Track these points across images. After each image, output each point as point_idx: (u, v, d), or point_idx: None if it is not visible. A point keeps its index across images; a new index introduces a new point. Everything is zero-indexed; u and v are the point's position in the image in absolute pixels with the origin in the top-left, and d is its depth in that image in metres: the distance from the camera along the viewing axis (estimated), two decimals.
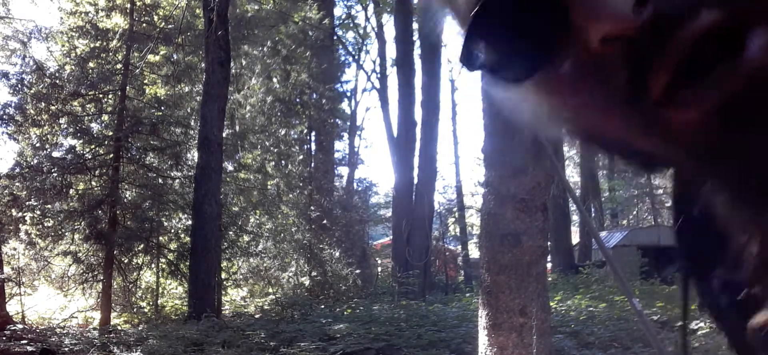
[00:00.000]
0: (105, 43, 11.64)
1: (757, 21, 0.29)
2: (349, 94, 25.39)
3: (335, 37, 21.77)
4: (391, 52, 21.84)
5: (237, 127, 14.53)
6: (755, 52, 0.29)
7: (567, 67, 0.34)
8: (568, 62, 0.34)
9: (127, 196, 12.07)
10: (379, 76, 23.03)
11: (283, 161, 16.22)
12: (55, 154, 11.54)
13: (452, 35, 0.43)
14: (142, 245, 11.85)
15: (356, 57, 25.19)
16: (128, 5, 11.69)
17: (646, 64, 0.31)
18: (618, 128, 0.36)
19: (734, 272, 0.37)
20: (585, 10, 0.32)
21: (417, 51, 18.58)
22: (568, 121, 0.40)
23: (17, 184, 10.89)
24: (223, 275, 12.64)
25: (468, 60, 0.37)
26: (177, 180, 12.48)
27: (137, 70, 11.60)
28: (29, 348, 7.80)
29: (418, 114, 17.16)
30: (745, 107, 0.30)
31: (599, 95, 0.35)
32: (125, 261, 11.73)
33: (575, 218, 21.86)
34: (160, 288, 12.77)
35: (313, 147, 17.24)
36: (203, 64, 11.56)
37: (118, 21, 12.03)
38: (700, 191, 0.38)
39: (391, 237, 18.44)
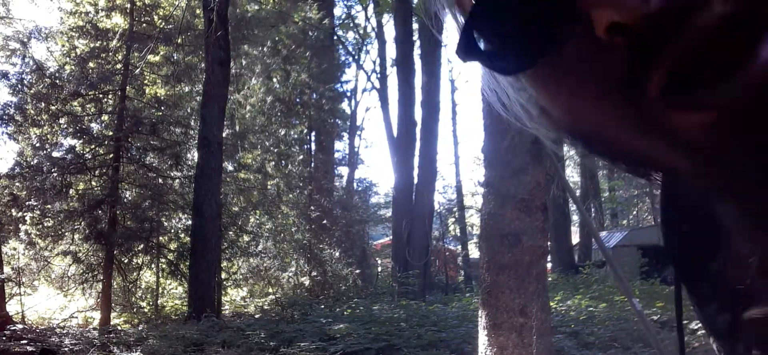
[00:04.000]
0: (105, 43, 11.64)
1: None
2: (349, 94, 25.40)
3: (335, 37, 21.78)
4: (391, 52, 21.87)
5: (237, 127, 14.52)
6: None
7: (567, 56, 0.33)
8: (569, 51, 0.33)
9: (127, 196, 12.07)
10: (379, 76, 23.04)
11: (283, 161, 16.22)
12: (55, 154, 11.52)
13: (452, 32, 0.42)
14: (142, 245, 11.85)
15: (356, 57, 25.20)
16: (128, 5, 11.69)
17: (648, 59, 0.30)
18: (613, 125, 0.34)
19: (728, 274, 0.36)
20: None
21: (417, 51, 18.61)
22: (559, 117, 0.38)
23: (17, 184, 10.89)
24: (223, 275, 12.63)
25: (465, 49, 0.36)
26: (177, 180, 12.47)
27: (137, 70, 11.59)
28: (29, 348, 7.80)
29: (418, 114, 17.18)
30: (756, 113, 0.28)
31: (597, 88, 0.33)
32: (125, 261, 11.72)
33: (575, 218, 21.87)
34: (160, 288, 12.76)
35: (313, 147, 17.25)
36: (203, 64, 11.55)
37: (118, 21, 12.04)
38: (698, 194, 0.36)
39: (391, 237, 18.44)
